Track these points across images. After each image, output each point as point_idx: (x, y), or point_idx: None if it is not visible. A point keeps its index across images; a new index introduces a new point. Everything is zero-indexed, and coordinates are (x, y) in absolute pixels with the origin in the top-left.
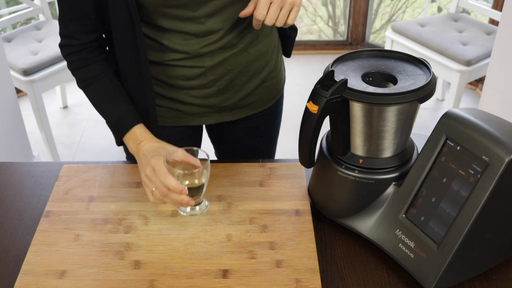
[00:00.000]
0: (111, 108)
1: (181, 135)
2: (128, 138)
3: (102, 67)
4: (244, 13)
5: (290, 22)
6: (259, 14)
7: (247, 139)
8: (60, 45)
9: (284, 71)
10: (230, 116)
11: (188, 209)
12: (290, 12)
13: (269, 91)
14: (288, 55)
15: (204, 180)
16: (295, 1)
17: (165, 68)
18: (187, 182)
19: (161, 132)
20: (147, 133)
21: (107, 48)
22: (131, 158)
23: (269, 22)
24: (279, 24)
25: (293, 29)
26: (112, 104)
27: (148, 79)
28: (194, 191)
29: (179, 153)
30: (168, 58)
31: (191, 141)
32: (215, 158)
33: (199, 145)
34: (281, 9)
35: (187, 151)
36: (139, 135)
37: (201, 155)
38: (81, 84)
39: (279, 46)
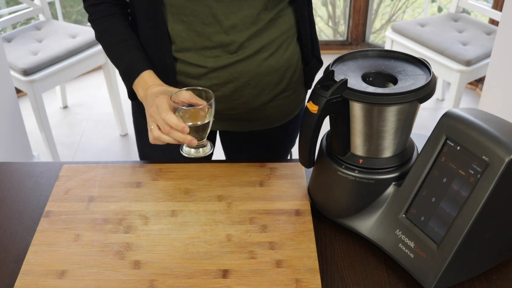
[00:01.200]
0: (123, 55)
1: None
2: (137, 84)
3: (119, 19)
4: None
5: None
6: None
7: (254, 151)
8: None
9: (305, 95)
10: (237, 127)
11: (192, 150)
12: None
13: (281, 109)
14: (307, 85)
15: (208, 119)
16: None
17: (172, 63)
18: (190, 123)
19: None
20: (156, 79)
21: (129, 11)
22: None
23: None
24: None
25: (317, 60)
26: (124, 51)
27: (167, 43)
28: (198, 131)
29: (183, 92)
30: (173, 49)
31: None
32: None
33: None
34: None
35: (192, 91)
36: (148, 79)
37: (206, 94)
38: (98, 35)
39: (298, 70)
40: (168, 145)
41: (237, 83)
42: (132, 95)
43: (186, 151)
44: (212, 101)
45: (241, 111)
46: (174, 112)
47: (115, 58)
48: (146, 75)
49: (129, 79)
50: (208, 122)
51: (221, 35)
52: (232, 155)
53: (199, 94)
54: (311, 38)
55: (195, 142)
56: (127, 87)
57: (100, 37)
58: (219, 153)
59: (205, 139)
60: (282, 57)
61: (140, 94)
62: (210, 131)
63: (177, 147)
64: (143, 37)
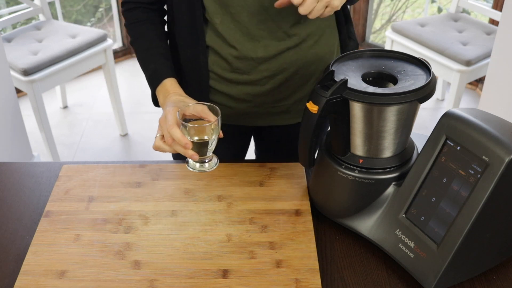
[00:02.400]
0: (150, 61)
1: (231, 135)
2: (159, 91)
3: (152, 26)
4: (279, 3)
5: (326, 14)
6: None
7: (294, 143)
8: (122, 2)
9: None
10: (281, 120)
11: (197, 165)
12: (325, 9)
13: None
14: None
15: (213, 136)
16: (332, 2)
17: (219, 59)
18: (196, 138)
19: None
20: (177, 87)
21: (165, 19)
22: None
23: (302, 11)
24: (312, 16)
25: (354, 42)
26: (151, 58)
27: (204, 62)
28: (203, 146)
29: (196, 106)
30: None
31: (241, 142)
32: (253, 155)
33: (247, 147)
34: (317, 2)
35: (201, 105)
36: (169, 87)
37: (212, 111)
38: (131, 39)
39: (338, 52)
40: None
41: (286, 74)
42: (155, 100)
43: (191, 165)
44: (219, 118)
45: (286, 103)
46: (180, 125)
47: (143, 64)
48: (168, 82)
49: (152, 85)
50: (213, 139)
51: (268, 22)
52: (267, 152)
53: (208, 109)
54: (347, 22)
55: (196, 157)
56: (151, 93)
57: (133, 42)
58: (250, 154)
59: (210, 154)
60: (327, 44)
61: (160, 100)
62: (249, 129)
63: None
64: (179, 37)
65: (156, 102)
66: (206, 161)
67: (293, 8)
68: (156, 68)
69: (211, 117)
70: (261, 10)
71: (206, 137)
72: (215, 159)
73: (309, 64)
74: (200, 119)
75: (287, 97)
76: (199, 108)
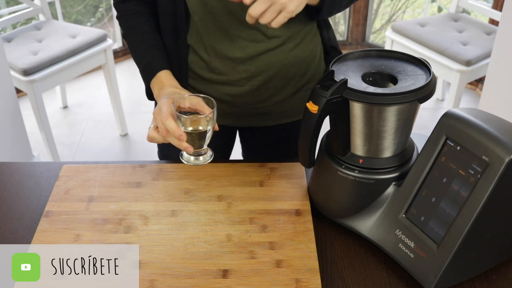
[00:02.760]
0: (144, 54)
1: (214, 133)
2: (154, 83)
3: (144, 18)
4: None
5: (274, 25)
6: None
7: (277, 146)
8: None
9: None
10: (262, 122)
11: (192, 158)
12: (278, 14)
13: (304, 102)
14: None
15: (208, 127)
16: (287, 6)
17: (198, 58)
18: (190, 128)
19: None
20: (172, 79)
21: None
22: (163, 155)
23: (252, 12)
24: (263, 21)
25: (336, 51)
26: (145, 50)
27: (184, 50)
28: (197, 139)
29: (191, 98)
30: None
31: (224, 141)
32: (241, 158)
33: (232, 146)
34: (269, 7)
35: (196, 97)
36: (163, 79)
37: (208, 102)
38: (123, 32)
39: (322, 61)
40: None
41: (264, 76)
42: (150, 94)
43: (186, 158)
44: (215, 109)
45: (266, 105)
46: (176, 118)
47: (136, 57)
48: (163, 74)
49: (147, 78)
50: (208, 131)
51: (248, 24)
52: (253, 152)
53: (203, 101)
54: (327, 29)
55: (190, 149)
56: (145, 86)
57: (125, 35)
58: (236, 153)
59: (205, 147)
60: (307, 48)
61: (155, 93)
62: (230, 128)
63: None
64: (165, 38)
65: (150, 96)
66: (202, 153)
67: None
68: (150, 61)
69: (206, 109)
70: (241, 11)
71: (201, 129)
72: (210, 152)
73: (289, 67)
74: (196, 112)
75: (267, 99)
76: (194, 100)
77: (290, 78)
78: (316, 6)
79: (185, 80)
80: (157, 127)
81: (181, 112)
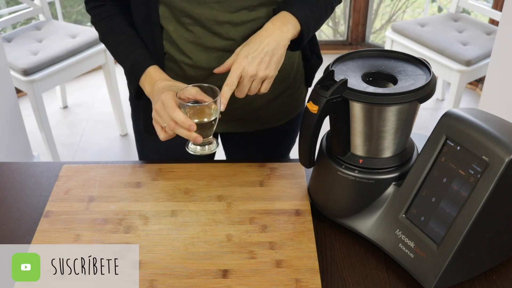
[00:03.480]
0: (127, 53)
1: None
2: (143, 80)
3: (121, 19)
4: (218, 70)
5: (262, 91)
6: (230, 84)
7: (256, 153)
8: (85, 1)
9: (306, 94)
10: (239, 128)
11: (198, 148)
12: (262, 83)
13: (283, 108)
14: (307, 83)
15: (214, 116)
16: (267, 75)
17: (174, 66)
18: (196, 120)
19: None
20: (162, 74)
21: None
22: (142, 154)
23: (239, 95)
24: (252, 93)
25: (317, 57)
26: (127, 49)
27: (160, 47)
28: (204, 128)
29: (190, 88)
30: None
31: None
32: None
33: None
34: (252, 82)
35: (198, 87)
36: (154, 74)
37: (212, 91)
38: (101, 36)
39: (300, 68)
40: (166, 147)
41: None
42: (137, 94)
43: (192, 148)
44: (219, 97)
45: (244, 111)
46: (179, 109)
47: (120, 58)
48: (152, 70)
49: (135, 77)
50: (214, 120)
51: (222, 35)
52: (234, 156)
53: (205, 90)
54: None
55: (200, 139)
56: (133, 86)
57: (104, 38)
58: (220, 155)
59: (211, 137)
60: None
61: (147, 90)
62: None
63: (177, 148)
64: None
65: (138, 95)
66: (208, 143)
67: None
68: (137, 59)
69: (208, 98)
70: (215, 24)
71: (206, 119)
72: (215, 142)
73: None
74: (196, 102)
75: (243, 106)
76: (193, 91)
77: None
78: (296, 39)
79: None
80: (161, 127)
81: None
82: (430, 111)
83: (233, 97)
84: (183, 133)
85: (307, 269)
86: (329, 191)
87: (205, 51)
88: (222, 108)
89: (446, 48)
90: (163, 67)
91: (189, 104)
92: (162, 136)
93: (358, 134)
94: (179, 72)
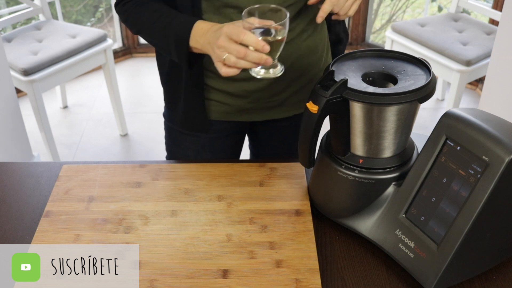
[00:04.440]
0: (169, 21)
1: (228, 132)
2: (193, 36)
3: (150, 4)
4: (311, 2)
5: (350, 13)
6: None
7: (291, 137)
8: (115, 3)
9: None
10: (277, 114)
11: (262, 71)
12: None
13: None
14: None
15: (281, 35)
16: None
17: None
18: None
19: (208, 128)
20: (213, 24)
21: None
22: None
23: (336, 9)
24: (342, 13)
25: (346, 33)
26: (169, 18)
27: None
28: (271, 50)
29: (251, 19)
30: None
31: (237, 138)
32: (247, 157)
33: (243, 143)
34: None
35: (262, 8)
36: (204, 25)
37: (279, 13)
38: (135, 28)
39: (329, 46)
40: (204, 141)
41: None
42: (189, 61)
43: (256, 71)
44: (286, 19)
45: (281, 97)
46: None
47: (160, 34)
48: (201, 23)
49: (183, 39)
50: (282, 39)
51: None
52: (261, 147)
53: (270, 11)
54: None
55: (270, 61)
56: (183, 52)
57: (138, 28)
58: (244, 154)
59: (275, 60)
60: (318, 38)
61: (200, 42)
62: (243, 125)
63: (215, 142)
64: None
65: (190, 63)
66: (273, 66)
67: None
68: (181, 20)
69: (270, 22)
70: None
71: (270, 38)
72: (279, 66)
73: (302, 57)
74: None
75: (282, 91)
76: (256, 20)
77: (303, 68)
78: None
79: (201, 79)
80: (223, 64)
81: None
82: (430, 111)
83: (274, 83)
84: (254, 57)
85: (307, 269)
86: (329, 191)
87: None
88: (319, 20)
89: (446, 48)
90: (201, 60)
91: (254, 23)
92: (223, 70)
93: (358, 134)
94: None
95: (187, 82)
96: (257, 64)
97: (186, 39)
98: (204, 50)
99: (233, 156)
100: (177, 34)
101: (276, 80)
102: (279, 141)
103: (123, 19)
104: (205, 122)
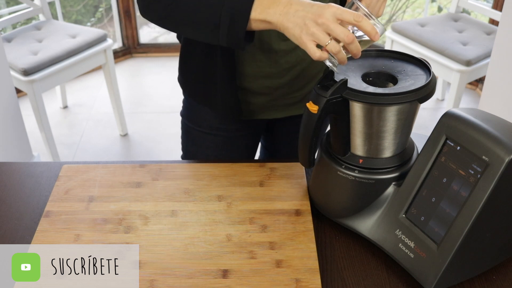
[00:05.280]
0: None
1: (247, 131)
2: (259, 5)
3: None
4: None
5: (380, 13)
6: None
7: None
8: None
9: None
10: (296, 110)
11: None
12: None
13: None
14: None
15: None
16: None
17: (244, 53)
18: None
19: (227, 128)
20: None
21: None
22: (187, 151)
23: (369, 9)
24: (374, 13)
25: None
26: None
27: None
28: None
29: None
30: None
31: (255, 136)
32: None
33: (259, 142)
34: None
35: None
36: None
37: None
38: (173, 26)
39: None
40: (224, 140)
41: (303, 64)
42: (247, 34)
43: (334, 62)
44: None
45: (302, 92)
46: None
47: (209, 2)
48: None
49: (243, 9)
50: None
51: None
52: (275, 144)
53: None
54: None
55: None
56: (240, 25)
57: (175, 14)
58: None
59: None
60: None
61: (270, 13)
62: (261, 124)
63: (235, 140)
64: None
65: (248, 36)
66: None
67: None
68: None
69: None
70: None
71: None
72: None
73: None
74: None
75: (302, 87)
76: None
77: (322, 63)
78: None
79: (231, 73)
80: (318, 47)
81: None
82: (430, 111)
83: (296, 78)
84: (356, 46)
85: (307, 269)
86: (329, 191)
87: (276, 32)
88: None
89: (446, 48)
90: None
91: (366, 8)
92: (318, 54)
93: (358, 134)
94: (247, 57)
95: (222, 73)
96: (356, 54)
97: (247, 9)
98: (277, 24)
99: (250, 155)
100: (235, 1)
101: (297, 76)
102: (296, 138)
103: (154, 20)
104: (239, 111)
